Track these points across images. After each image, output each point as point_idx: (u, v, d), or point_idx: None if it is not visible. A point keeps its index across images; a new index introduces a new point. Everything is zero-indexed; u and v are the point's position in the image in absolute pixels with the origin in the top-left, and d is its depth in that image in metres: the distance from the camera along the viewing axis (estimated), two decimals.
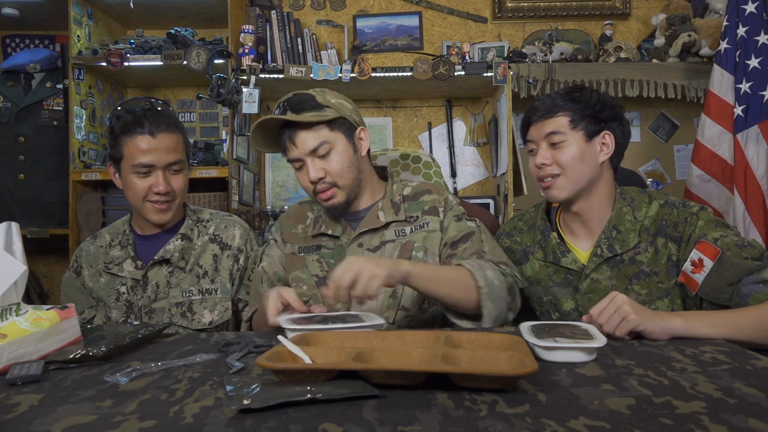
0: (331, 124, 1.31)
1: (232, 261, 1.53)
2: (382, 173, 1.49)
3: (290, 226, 1.45)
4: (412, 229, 1.36)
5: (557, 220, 1.45)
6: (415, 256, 1.32)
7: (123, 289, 1.49)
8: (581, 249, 1.38)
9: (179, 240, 1.50)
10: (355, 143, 1.35)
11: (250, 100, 2.62)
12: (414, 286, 1.17)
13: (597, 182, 1.34)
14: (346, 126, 1.33)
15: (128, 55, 2.66)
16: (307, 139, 1.29)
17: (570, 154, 1.30)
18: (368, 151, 1.42)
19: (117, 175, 1.49)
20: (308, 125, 1.29)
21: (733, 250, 1.21)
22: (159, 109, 1.46)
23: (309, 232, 1.41)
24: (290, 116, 1.28)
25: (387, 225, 1.36)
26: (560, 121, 1.32)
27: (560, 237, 1.41)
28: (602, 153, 1.33)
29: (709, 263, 1.22)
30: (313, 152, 1.30)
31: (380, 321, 1.08)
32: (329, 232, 1.38)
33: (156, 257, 1.48)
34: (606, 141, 1.34)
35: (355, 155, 1.35)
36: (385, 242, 1.35)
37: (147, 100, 1.48)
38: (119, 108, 1.47)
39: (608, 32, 2.95)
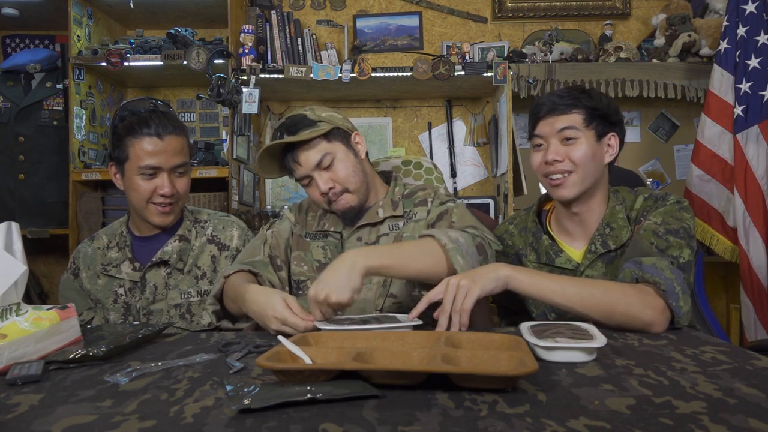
0: (327, 136, 1.35)
1: (230, 261, 1.52)
2: (386, 178, 1.53)
3: (303, 211, 1.51)
4: (404, 222, 1.42)
5: (548, 222, 1.45)
6: None
7: (121, 291, 1.48)
8: (575, 248, 1.39)
9: (177, 241, 1.50)
10: (354, 148, 1.41)
11: (250, 100, 2.62)
12: (383, 276, 1.19)
13: (599, 183, 1.35)
14: (341, 135, 1.38)
15: (128, 55, 2.66)
16: (309, 156, 1.34)
17: (582, 151, 1.30)
18: (366, 154, 1.46)
19: (118, 176, 1.47)
20: (307, 143, 1.34)
21: (647, 233, 1.24)
22: (164, 111, 1.46)
23: (313, 227, 1.46)
24: (288, 138, 1.34)
25: (383, 220, 1.41)
26: (575, 118, 1.31)
27: (552, 239, 1.41)
28: (608, 154, 1.34)
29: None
30: (318, 166, 1.35)
31: (417, 321, 1.09)
32: (332, 230, 1.44)
33: (154, 259, 1.48)
34: (611, 143, 1.34)
35: (357, 159, 1.40)
36: (380, 236, 1.41)
37: (150, 101, 1.48)
38: (123, 108, 1.46)
39: (608, 32, 2.95)
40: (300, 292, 1.41)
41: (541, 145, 1.35)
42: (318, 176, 1.35)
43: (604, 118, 1.32)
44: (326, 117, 1.37)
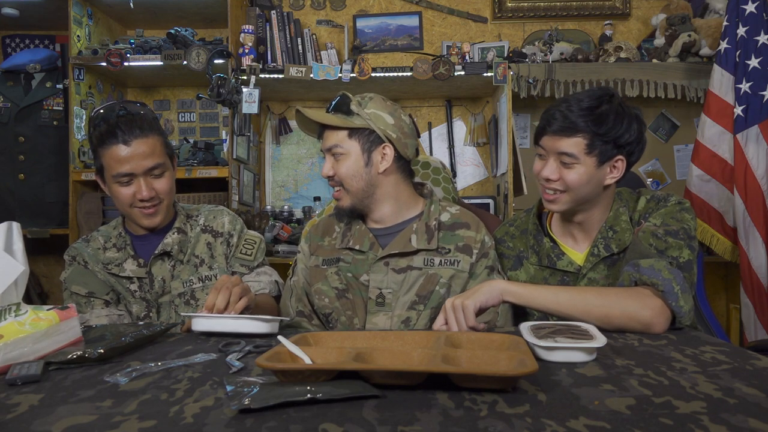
0: (351, 132, 1.35)
1: (225, 246, 1.56)
2: (421, 190, 1.47)
3: (318, 238, 1.47)
4: (441, 261, 1.35)
5: (548, 224, 1.44)
6: (437, 291, 1.33)
7: (134, 287, 1.49)
8: (577, 251, 1.38)
9: (176, 233, 1.52)
10: (371, 157, 1.35)
11: (250, 100, 2.62)
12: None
13: (599, 198, 1.33)
14: (369, 139, 1.34)
15: (128, 55, 2.66)
16: (327, 138, 1.38)
17: (577, 176, 1.26)
18: (402, 166, 1.39)
19: (103, 184, 1.50)
20: (331, 126, 1.36)
21: (646, 234, 1.24)
22: (133, 114, 1.45)
23: (337, 245, 1.42)
24: (311, 113, 1.37)
25: (417, 251, 1.35)
26: (577, 143, 1.25)
27: (553, 241, 1.40)
28: (610, 176, 1.29)
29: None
30: (329, 151, 1.37)
31: (283, 319, 1.19)
32: (356, 247, 1.38)
33: (156, 251, 1.49)
34: (617, 165, 1.29)
35: (366, 169, 1.34)
36: (412, 267, 1.35)
37: (121, 105, 1.48)
38: (94, 117, 1.47)
39: (608, 32, 2.95)
40: (331, 324, 1.40)
41: (542, 155, 1.33)
42: (327, 159, 1.38)
43: (612, 143, 1.25)
44: (370, 114, 1.34)
